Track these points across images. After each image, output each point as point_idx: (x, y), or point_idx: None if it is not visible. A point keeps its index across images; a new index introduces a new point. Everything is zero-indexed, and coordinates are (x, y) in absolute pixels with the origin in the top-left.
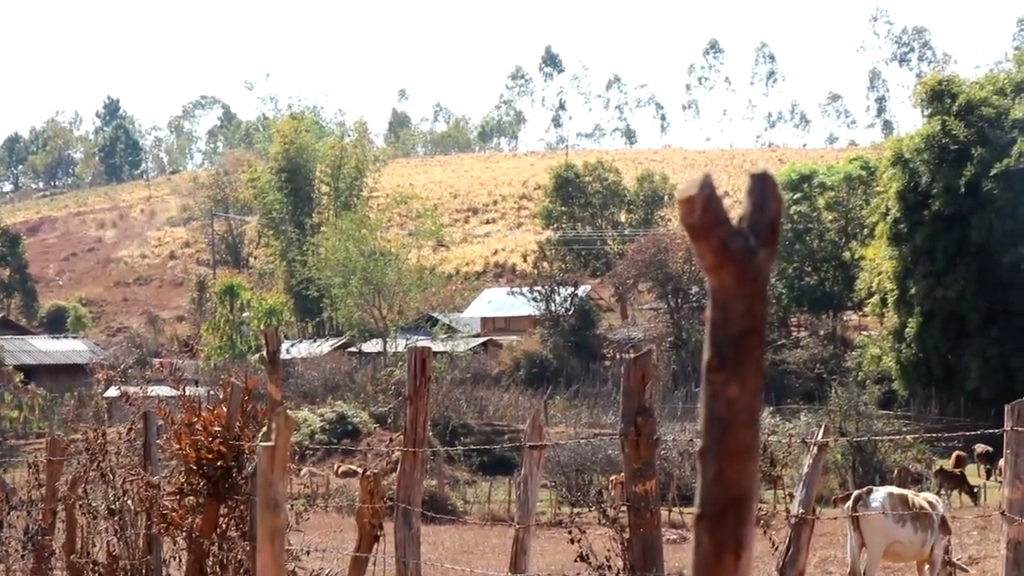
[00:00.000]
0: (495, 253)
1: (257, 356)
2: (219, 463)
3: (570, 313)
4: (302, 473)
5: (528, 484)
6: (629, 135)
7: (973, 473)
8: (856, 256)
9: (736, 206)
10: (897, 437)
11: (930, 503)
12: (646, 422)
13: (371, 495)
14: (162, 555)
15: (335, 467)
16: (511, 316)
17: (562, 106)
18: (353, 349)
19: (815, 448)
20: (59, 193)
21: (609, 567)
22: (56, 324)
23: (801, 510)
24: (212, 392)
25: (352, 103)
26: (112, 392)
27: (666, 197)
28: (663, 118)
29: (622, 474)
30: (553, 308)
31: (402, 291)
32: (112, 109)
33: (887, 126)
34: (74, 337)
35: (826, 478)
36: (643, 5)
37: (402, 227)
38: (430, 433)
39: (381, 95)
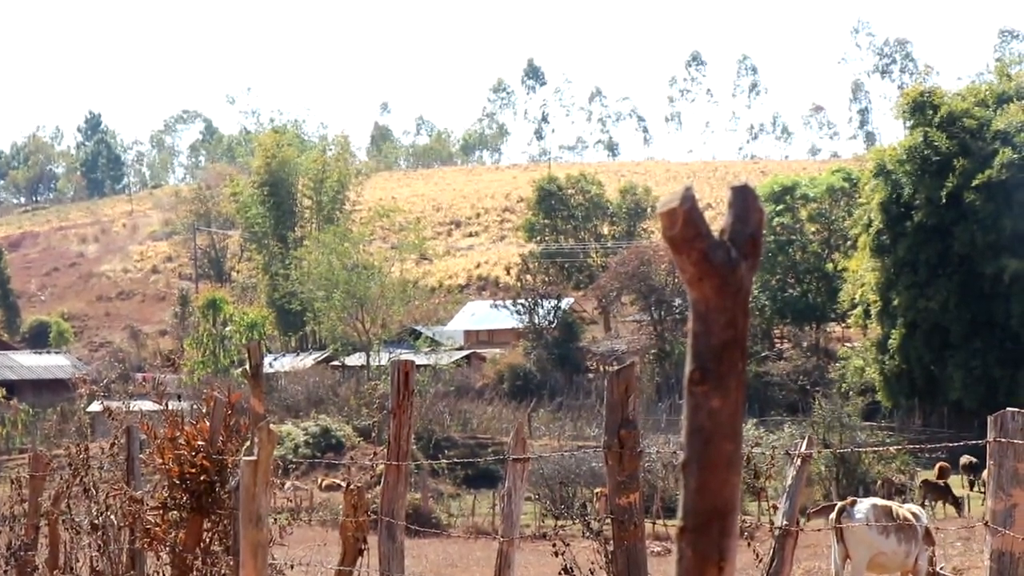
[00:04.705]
0: (478, 266)
1: (240, 370)
2: (202, 477)
3: (553, 326)
4: (285, 487)
5: (512, 497)
6: (611, 147)
7: (957, 484)
8: (839, 267)
9: (719, 218)
10: (880, 448)
11: (914, 514)
12: (630, 434)
13: (355, 509)
14: (145, 570)
15: (319, 481)
16: (494, 329)
17: (544, 119)
18: (336, 363)
19: (799, 460)
20: (41, 208)
21: None
22: (38, 339)
23: (785, 522)
24: (195, 406)
25: (334, 117)
26: (95, 407)
27: (649, 209)
28: (645, 130)
29: (606, 486)
30: (536, 321)
31: (385, 304)
32: (94, 124)
33: (869, 137)
34: (56, 352)
35: (810, 490)
36: (625, 18)
37: (385, 240)
38: (414, 446)
39: (363, 108)
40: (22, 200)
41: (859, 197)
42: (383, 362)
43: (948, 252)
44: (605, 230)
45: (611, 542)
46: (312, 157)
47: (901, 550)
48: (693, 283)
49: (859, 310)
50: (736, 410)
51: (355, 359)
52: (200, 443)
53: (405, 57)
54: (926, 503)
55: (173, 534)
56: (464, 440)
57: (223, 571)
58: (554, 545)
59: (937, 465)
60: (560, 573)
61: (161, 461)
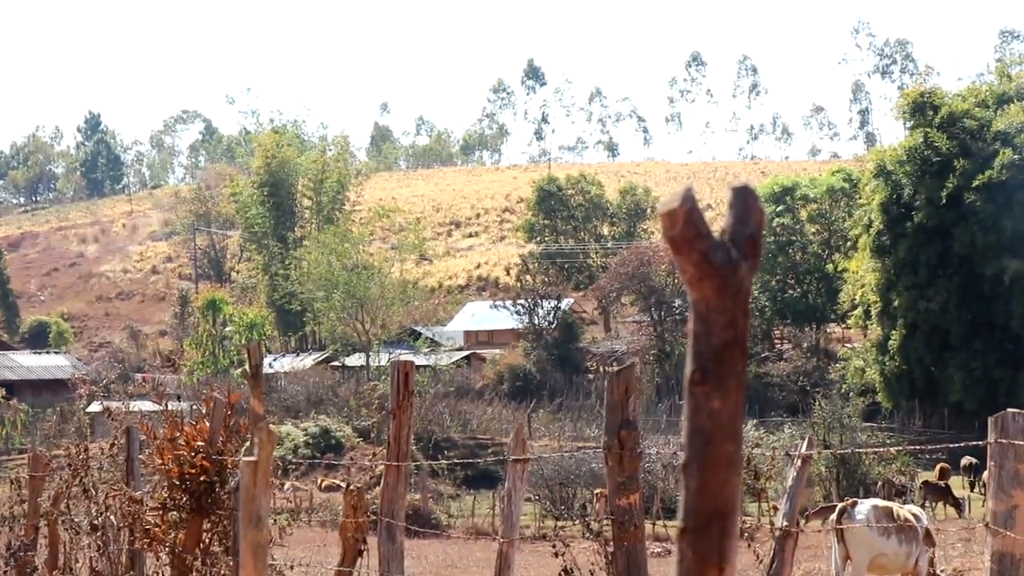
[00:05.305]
0: (478, 266)
1: (240, 370)
2: (202, 478)
3: (553, 326)
4: (285, 487)
5: (512, 498)
6: (611, 148)
7: (957, 485)
8: (839, 268)
9: (719, 219)
10: (881, 449)
11: (914, 515)
12: (630, 435)
13: (354, 509)
14: (145, 570)
15: (318, 481)
16: (494, 329)
17: (544, 119)
18: (336, 363)
19: (799, 461)
20: (40, 208)
21: None
22: (38, 339)
23: (785, 523)
24: (195, 407)
25: (334, 117)
26: (94, 407)
27: (649, 210)
28: (645, 131)
29: (606, 487)
30: (536, 321)
31: (385, 305)
32: (93, 124)
33: (870, 138)
34: (56, 352)
35: (810, 491)
36: (625, 18)
37: (385, 241)
38: (414, 447)
39: (363, 109)
40: (22, 200)
41: (859, 198)
42: (383, 363)
43: (948, 253)
44: (605, 231)
45: (611, 543)
46: (312, 157)
47: (902, 551)
48: (693, 284)
49: (859, 311)
50: (736, 411)
51: (355, 359)
52: (200, 444)
53: (405, 57)
54: (926, 504)
55: (173, 535)
56: (464, 441)
57: (223, 572)
58: (554, 546)
59: (938, 466)
60: (560, 574)
61: (161, 462)
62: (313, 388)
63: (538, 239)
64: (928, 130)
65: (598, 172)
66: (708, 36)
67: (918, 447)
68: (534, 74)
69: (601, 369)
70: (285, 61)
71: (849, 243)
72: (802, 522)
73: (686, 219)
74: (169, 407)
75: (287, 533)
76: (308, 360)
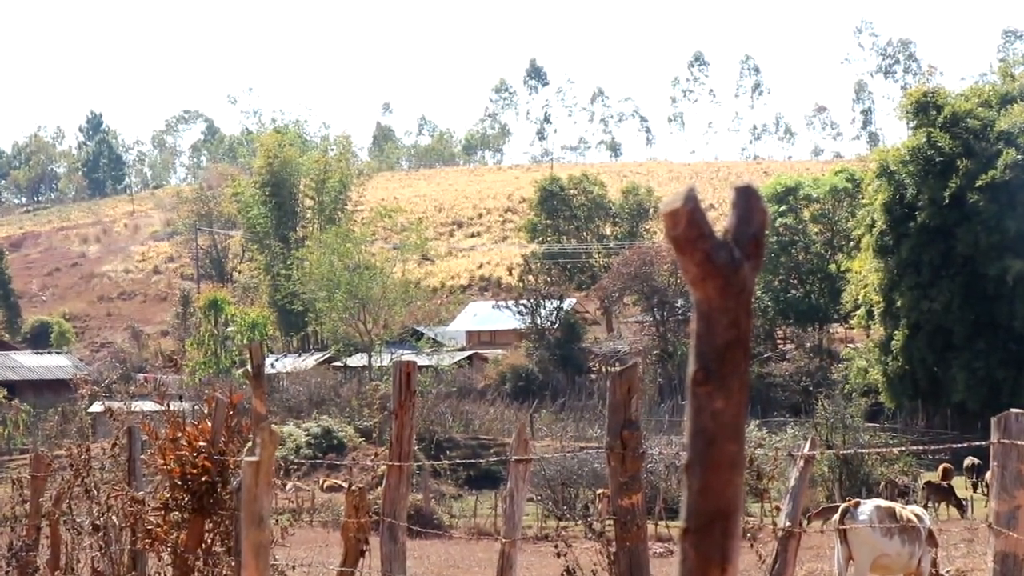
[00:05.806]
0: (480, 266)
1: (241, 371)
2: (204, 478)
3: (555, 326)
4: (287, 488)
5: (514, 498)
6: (614, 148)
7: (960, 485)
8: (842, 268)
9: (721, 219)
10: (884, 450)
11: (917, 516)
12: (632, 435)
13: (356, 510)
14: (147, 571)
15: (320, 482)
16: (496, 329)
17: (547, 119)
18: (338, 363)
19: (801, 461)
20: (42, 208)
21: None
22: (40, 339)
23: (788, 523)
24: (196, 407)
25: (336, 117)
26: (96, 407)
27: (651, 210)
28: (648, 131)
29: (608, 488)
30: (539, 321)
31: (387, 305)
32: (95, 124)
33: (872, 138)
34: (58, 352)
35: (813, 491)
36: (628, 18)
37: (387, 241)
38: (416, 447)
39: (365, 108)
40: (23, 200)
41: (862, 198)
42: (385, 363)
43: (951, 253)
44: (607, 231)
45: (613, 543)
46: (314, 157)
47: (905, 552)
48: (696, 284)
49: (862, 311)
50: (739, 411)
51: (357, 360)
52: (202, 444)
53: (407, 57)
54: (929, 505)
55: (175, 535)
56: (466, 441)
57: (225, 572)
58: (556, 546)
59: (940, 467)
60: (562, 574)
61: (163, 462)
62: (315, 388)
63: (540, 239)
64: (931, 130)
65: (600, 172)
66: (711, 36)
67: (921, 447)
68: (536, 74)
69: (603, 369)
70: (287, 61)
71: (852, 243)
72: (805, 522)
73: (689, 219)
74: (171, 407)
75: (289, 533)
76: (310, 360)
